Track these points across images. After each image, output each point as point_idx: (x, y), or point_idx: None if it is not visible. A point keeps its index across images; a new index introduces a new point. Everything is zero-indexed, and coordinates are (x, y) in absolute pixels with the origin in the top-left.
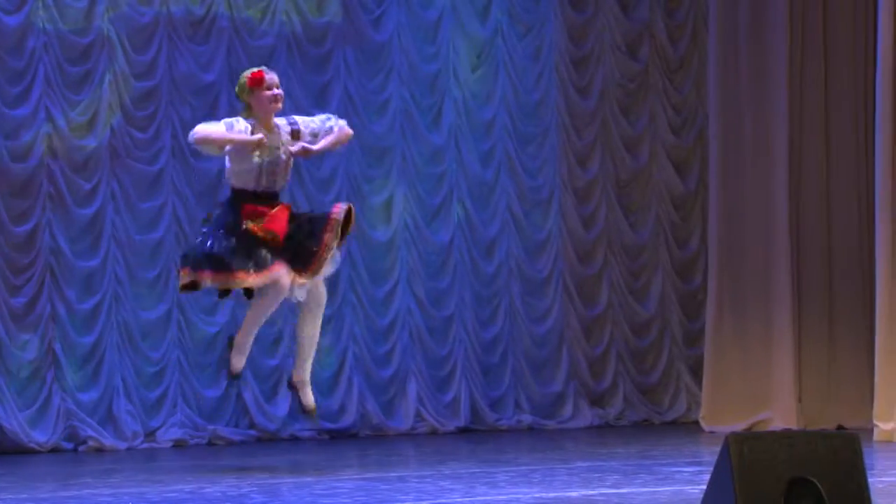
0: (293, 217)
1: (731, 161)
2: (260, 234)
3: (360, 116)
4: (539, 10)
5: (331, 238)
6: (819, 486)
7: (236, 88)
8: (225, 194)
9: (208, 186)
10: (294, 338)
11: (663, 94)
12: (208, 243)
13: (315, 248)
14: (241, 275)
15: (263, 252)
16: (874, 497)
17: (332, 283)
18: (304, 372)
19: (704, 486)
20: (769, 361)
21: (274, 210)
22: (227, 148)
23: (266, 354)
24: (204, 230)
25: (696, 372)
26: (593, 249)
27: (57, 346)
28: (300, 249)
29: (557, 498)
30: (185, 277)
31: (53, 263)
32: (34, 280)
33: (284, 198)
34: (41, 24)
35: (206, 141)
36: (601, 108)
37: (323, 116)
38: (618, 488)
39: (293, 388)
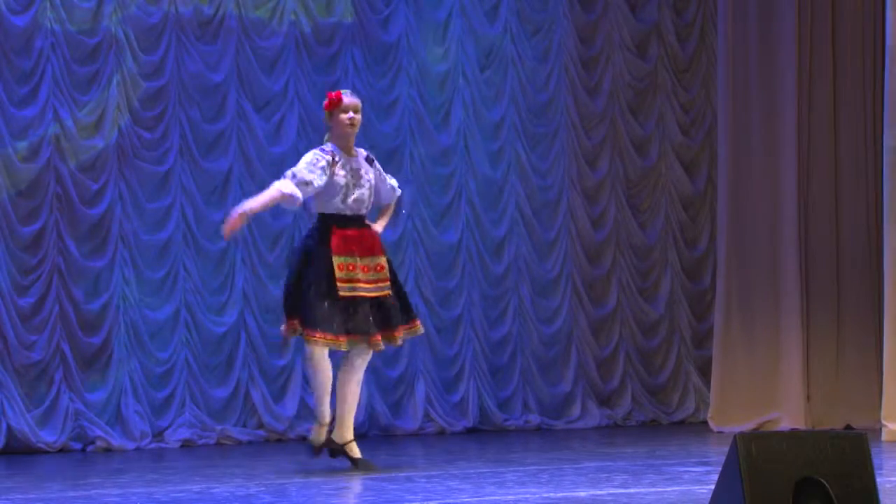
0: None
1: (740, 161)
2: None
3: (368, 116)
4: (548, 11)
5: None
6: (827, 486)
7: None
8: (309, 228)
9: (216, 187)
10: (336, 393)
11: (672, 94)
12: (310, 297)
13: (401, 324)
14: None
15: (361, 316)
16: (882, 497)
17: None
18: (349, 430)
19: (713, 487)
20: (777, 362)
21: (363, 238)
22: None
23: (274, 355)
24: (295, 273)
25: (705, 372)
26: (602, 250)
27: (65, 347)
28: (389, 314)
29: (566, 498)
30: (292, 331)
31: (61, 264)
32: (42, 280)
33: None
34: (49, 25)
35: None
36: (610, 109)
37: (394, 182)
38: (626, 488)
39: (338, 451)
